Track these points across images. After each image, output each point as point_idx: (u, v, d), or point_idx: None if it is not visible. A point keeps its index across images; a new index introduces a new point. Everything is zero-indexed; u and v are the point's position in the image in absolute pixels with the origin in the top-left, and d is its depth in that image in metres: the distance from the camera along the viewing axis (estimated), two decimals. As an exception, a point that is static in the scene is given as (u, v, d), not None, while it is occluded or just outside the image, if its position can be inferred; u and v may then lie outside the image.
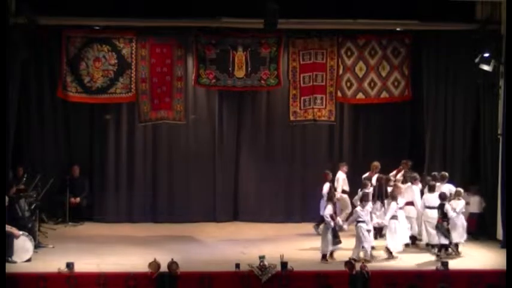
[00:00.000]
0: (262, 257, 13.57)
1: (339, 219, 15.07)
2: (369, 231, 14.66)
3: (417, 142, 18.38)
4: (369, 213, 14.82)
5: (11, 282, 12.77)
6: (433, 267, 14.01)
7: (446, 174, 16.18)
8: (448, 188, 15.78)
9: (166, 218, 18.09)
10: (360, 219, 14.67)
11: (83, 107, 17.62)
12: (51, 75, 17.30)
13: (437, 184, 15.88)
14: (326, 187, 16.60)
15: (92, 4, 15.99)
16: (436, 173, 16.32)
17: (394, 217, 15.06)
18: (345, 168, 17.39)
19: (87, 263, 13.83)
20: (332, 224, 14.53)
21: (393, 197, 15.15)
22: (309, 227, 17.41)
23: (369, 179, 16.60)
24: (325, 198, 16.30)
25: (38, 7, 15.56)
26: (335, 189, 16.63)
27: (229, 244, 15.97)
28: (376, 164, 17.10)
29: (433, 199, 15.51)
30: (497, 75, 16.38)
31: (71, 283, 13.12)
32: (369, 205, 14.89)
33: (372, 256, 14.68)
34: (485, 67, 16.27)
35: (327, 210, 14.66)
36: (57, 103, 17.51)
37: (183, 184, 18.25)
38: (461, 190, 15.57)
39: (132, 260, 14.21)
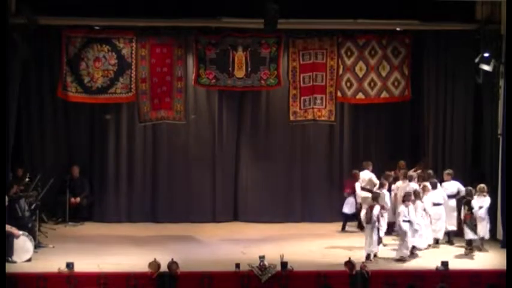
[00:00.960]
0: (262, 257, 13.56)
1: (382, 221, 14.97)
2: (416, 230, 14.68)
3: (417, 142, 18.39)
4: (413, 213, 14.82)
5: (11, 282, 12.76)
6: (433, 267, 14.00)
7: (451, 171, 16.22)
8: (456, 186, 15.90)
9: (166, 218, 18.06)
10: (405, 219, 14.66)
11: (83, 107, 17.61)
12: (51, 75, 17.28)
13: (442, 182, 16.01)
14: (358, 186, 16.80)
15: (92, 4, 15.97)
16: (431, 171, 16.33)
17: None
18: (371, 167, 17.25)
19: (87, 263, 13.81)
20: (378, 224, 14.54)
21: (416, 195, 15.14)
22: (308, 226, 17.41)
23: (392, 176, 16.57)
24: (357, 197, 16.74)
25: (38, 7, 15.56)
26: (367, 190, 16.56)
27: (229, 244, 15.95)
28: (403, 162, 17.11)
29: (436, 196, 15.60)
30: (497, 75, 16.37)
31: (71, 283, 13.12)
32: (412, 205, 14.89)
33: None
34: (485, 67, 16.26)
35: (375, 211, 14.59)
36: (57, 103, 17.50)
37: (183, 184, 18.21)
38: (485, 186, 15.51)
39: (132, 260, 14.20)
